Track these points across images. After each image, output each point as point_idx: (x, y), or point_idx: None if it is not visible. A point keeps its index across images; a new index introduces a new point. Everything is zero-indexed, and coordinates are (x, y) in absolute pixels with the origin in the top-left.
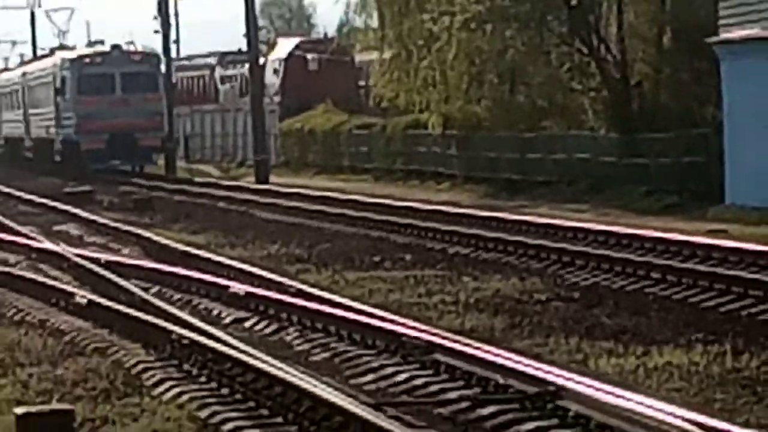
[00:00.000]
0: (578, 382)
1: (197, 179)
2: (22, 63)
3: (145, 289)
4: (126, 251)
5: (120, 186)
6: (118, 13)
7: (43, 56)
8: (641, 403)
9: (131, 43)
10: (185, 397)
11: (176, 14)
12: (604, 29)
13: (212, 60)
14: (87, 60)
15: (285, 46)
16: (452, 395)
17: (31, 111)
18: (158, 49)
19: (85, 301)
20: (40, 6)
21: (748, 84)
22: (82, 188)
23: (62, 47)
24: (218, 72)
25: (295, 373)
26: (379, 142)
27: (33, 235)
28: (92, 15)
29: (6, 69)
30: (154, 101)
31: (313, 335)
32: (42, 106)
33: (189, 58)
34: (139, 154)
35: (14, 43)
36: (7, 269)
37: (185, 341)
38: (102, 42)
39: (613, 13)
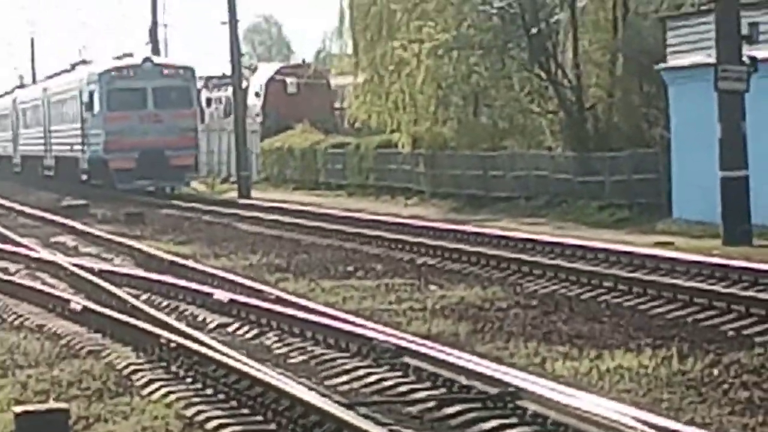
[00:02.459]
0: (536, 384)
1: (184, 194)
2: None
3: (136, 296)
4: (118, 261)
5: (114, 201)
6: (112, 38)
7: (65, 71)
8: (594, 403)
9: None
10: (172, 397)
11: (165, 41)
12: (561, 56)
13: (199, 84)
14: (116, 73)
15: (266, 70)
16: (420, 395)
17: (53, 128)
18: None
19: (79, 307)
20: None
21: (693, 107)
22: (78, 202)
23: (83, 62)
24: (204, 94)
25: (274, 374)
26: (353, 159)
27: (32, 245)
28: (85, 40)
29: (22, 85)
30: (187, 117)
31: (291, 339)
32: (65, 122)
33: None
34: (170, 173)
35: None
36: (7, 277)
37: (172, 345)
38: (131, 54)
39: (570, 41)
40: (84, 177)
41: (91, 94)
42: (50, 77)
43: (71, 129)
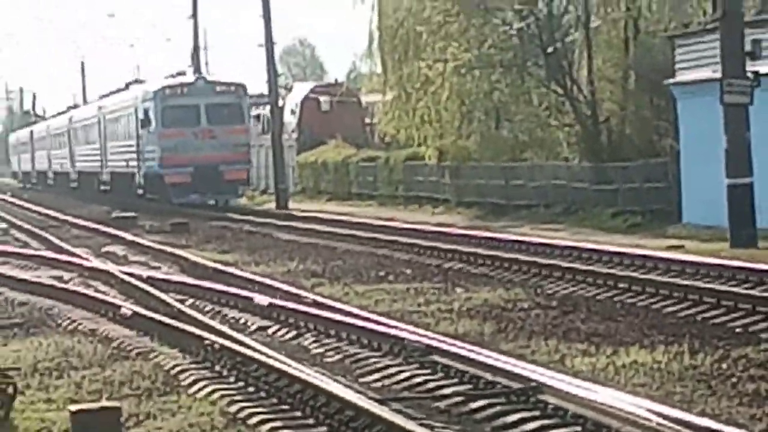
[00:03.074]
0: (556, 379)
1: (226, 206)
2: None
3: (182, 301)
4: (165, 268)
5: (160, 213)
6: (157, 60)
7: (119, 90)
8: (611, 397)
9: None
10: (217, 395)
11: (207, 63)
12: (576, 73)
13: None
14: (171, 91)
15: (301, 89)
16: (447, 391)
17: (108, 144)
18: None
19: (129, 312)
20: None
21: (700, 119)
22: (127, 214)
23: (137, 81)
24: None
25: (312, 373)
26: (383, 172)
27: (84, 255)
28: (135, 61)
29: (76, 105)
30: (239, 133)
31: (327, 340)
32: (121, 139)
33: None
34: (225, 187)
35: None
36: (62, 285)
37: (216, 346)
38: (183, 73)
39: (584, 59)
40: (140, 191)
41: (146, 112)
42: (104, 96)
43: (127, 145)
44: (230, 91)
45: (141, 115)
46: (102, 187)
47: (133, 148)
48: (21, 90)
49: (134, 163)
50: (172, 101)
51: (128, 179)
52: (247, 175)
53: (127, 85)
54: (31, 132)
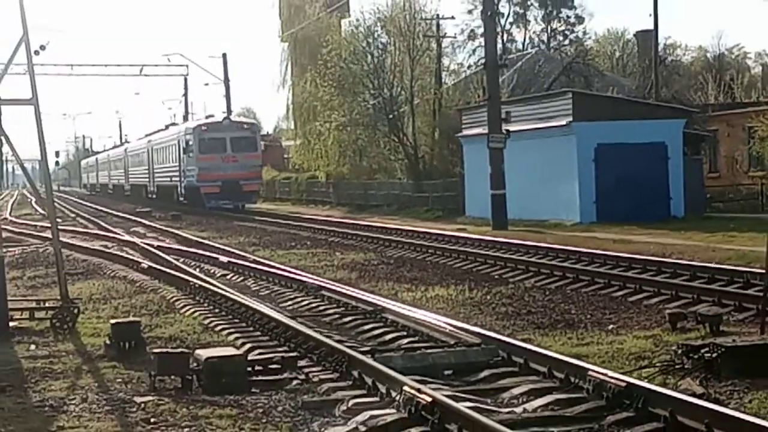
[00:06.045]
0: (392, 305)
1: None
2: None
3: (177, 259)
4: (167, 241)
5: (164, 208)
6: (163, 118)
7: (161, 130)
8: (423, 315)
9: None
10: (197, 314)
11: (192, 115)
12: (405, 129)
13: None
14: (205, 127)
15: None
16: (330, 312)
17: (155, 166)
18: None
19: (146, 265)
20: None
21: (476, 156)
22: (145, 209)
23: (173, 124)
24: None
25: (251, 301)
26: (294, 185)
27: (120, 232)
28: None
29: (125, 141)
30: (254, 158)
31: (261, 282)
32: (165, 162)
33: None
34: (243, 196)
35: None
36: (107, 250)
37: (197, 285)
38: (213, 115)
39: (410, 121)
40: (181, 199)
41: (187, 142)
42: (150, 134)
43: (170, 166)
44: (247, 128)
45: (183, 145)
46: (150, 196)
47: (176, 168)
48: (83, 136)
49: (177, 178)
50: (206, 135)
51: (170, 190)
52: (259, 187)
53: (167, 126)
54: (96, 158)
